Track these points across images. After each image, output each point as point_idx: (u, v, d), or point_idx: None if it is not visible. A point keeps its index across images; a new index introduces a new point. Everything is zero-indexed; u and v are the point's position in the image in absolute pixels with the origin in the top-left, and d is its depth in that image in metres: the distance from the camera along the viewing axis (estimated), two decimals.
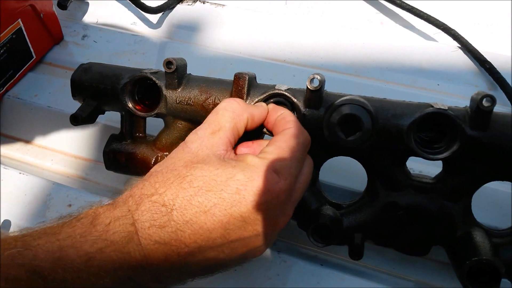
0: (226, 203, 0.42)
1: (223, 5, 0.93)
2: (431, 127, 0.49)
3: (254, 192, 0.42)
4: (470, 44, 0.78)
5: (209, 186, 0.42)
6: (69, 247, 0.38)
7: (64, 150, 0.80)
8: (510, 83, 0.73)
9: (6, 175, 0.70)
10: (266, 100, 0.54)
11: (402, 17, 0.88)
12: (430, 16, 0.81)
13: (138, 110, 0.60)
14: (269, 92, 0.54)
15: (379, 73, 0.80)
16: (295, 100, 0.52)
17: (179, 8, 0.94)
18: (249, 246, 0.44)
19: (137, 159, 0.60)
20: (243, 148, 0.50)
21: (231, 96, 0.55)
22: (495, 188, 0.61)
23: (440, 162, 0.52)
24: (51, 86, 0.85)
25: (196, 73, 0.60)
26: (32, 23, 0.84)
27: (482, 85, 0.77)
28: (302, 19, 0.90)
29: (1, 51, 0.79)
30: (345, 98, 0.50)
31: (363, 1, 0.91)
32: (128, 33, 0.92)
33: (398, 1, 0.83)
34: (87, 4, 0.98)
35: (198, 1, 0.94)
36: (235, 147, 0.49)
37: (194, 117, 0.57)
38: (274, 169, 0.43)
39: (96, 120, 0.64)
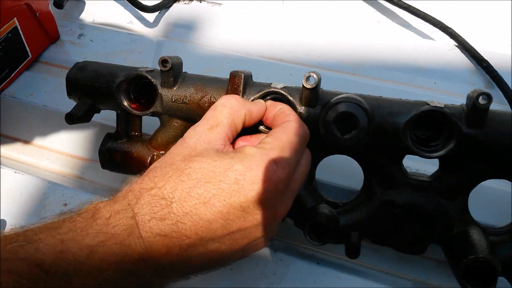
0: (225, 193, 0.42)
1: (220, 3, 0.92)
2: (428, 125, 0.49)
3: (253, 181, 0.42)
4: (467, 43, 0.78)
5: (208, 177, 0.42)
6: (70, 241, 0.38)
7: (60, 149, 0.80)
8: (507, 82, 0.73)
9: (1, 174, 0.70)
10: (262, 98, 0.54)
11: (399, 16, 0.88)
12: (427, 14, 0.81)
13: (133, 108, 0.60)
14: (265, 90, 0.53)
15: (376, 72, 0.79)
16: (291, 98, 0.52)
17: (176, 7, 0.94)
18: (250, 237, 0.44)
19: (132, 158, 0.60)
20: (241, 142, 0.50)
21: (227, 94, 0.54)
22: (492, 187, 0.61)
23: (436, 161, 0.52)
24: (47, 85, 0.85)
25: (193, 72, 0.59)
26: (28, 22, 0.83)
27: (479, 83, 0.77)
28: (299, 17, 0.89)
29: None
30: (341, 96, 0.50)
31: (361, 0, 0.90)
32: (124, 32, 0.92)
33: (395, 0, 0.83)
34: (84, 3, 0.98)
35: (194, 0, 0.94)
36: (233, 142, 0.49)
37: (190, 115, 0.57)
38: (272, 159, 0.44)
39: (92, 119, 0.63)
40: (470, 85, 0.76)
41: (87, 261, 0.38)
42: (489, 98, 0.44)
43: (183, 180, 0.42)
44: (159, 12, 0.93)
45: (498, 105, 0.73)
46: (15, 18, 0.80)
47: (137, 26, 0.93)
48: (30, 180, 0.69)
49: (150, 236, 0.40)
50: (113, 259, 0.39)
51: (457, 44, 0.80)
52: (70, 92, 0.63)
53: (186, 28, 0.91)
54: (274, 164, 0.43)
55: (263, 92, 0.53)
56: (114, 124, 0.63)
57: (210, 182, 0.42)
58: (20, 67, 0.85)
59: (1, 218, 0.65)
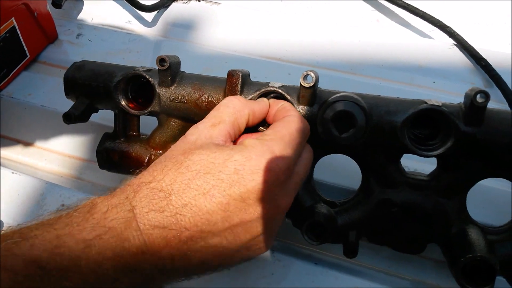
0: (225, 184, 0.41)
1: (218, 3, 0.92)
2: (425, 124, 0.49)
3: (252, 171, 0.42)
4: (466, 41, 0.78)
5: (207, 169, 0.42)
6: (66, 235, 0.37)
7: (58, 150, 0.80)
8: (506, 81, 0.73)
9: None
10: (260, 98, 0.54)
11: (398, 15, 0.87)
12: (425, 13, 0.81)
13: (131, 108, 0.59)
14: (263, 90, 0.53)
15: (374, 71, 0.79)
16: (288, 97, 0.52)
17: (174, 6, 0.94)
18: (251, 232, 0.43)
19: (130, 158, 0.60)
20: (242, 140, 0.49)
21: (225, 93, 0.54)
22: (490, 186, 0.61)
23: (435, 161, 0.52)
24: (45, 85, 0.84)
25: (191, 72, 0.59)
26: (26, 21, 0.83)
27: (478, 82, 0.76)
28: (297, 17, 0.89)
29: None
30: (339, 95, 0.50)
31: None
32: (122, 32, 0.92)
33: None
34: (82, 2, 0.98)
35: None
36: (234, 141, 0.49)
37: (188, 115, 0.57)
38: (272, 150, 0.43)
39: (90, 119, 0.63)
40: (469, 84, 0.76)
41: (83, 255, 0.37)
42: (486, 96, 0.44)
43: (182, 172, 0.42)
44: (158, 12, 0.93)
45: (497, 104, 0.73)
46: (13, 18, 0.80)
47: (135, 26, 0.93)
48: (27, 180, 0.69)
49: (149, 229, 0.39)
50: (111, 253, 0.38)
51: (456, 43, 0.80)
52: (68, 92, 0.63)
53: (184, 27, 0.90)
54: (274, 155, 0.43)
55: (261, 91, 0.53)
56: (112, 124, 0.63)
57: (209, 173, 0.42)
58: (18, 67, 0.85)
59: None
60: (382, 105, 0.49)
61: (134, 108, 0.59)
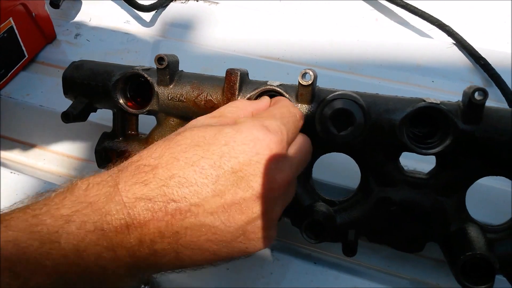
0: (215, 155, 0.40)
1: (217, 2, 0.92)
2: (424, 122, 0.49)
3: (243, 142, 0.40)
4: (465, 40, 0.78)
5: (197, 142, 0.41)
6: (43, 214, 0.35)
7: (57, 149, 0.80)
8: (505, 80, 0.73)
9: None
10: (258, 96, 0.53)
11: (396, 14, 0.87)
12: (424, 12, 0.81)
13: (129, 107, 0.59)
14: (261, 88, 0.53)
15: (373, 70, 0.79)
16: (287, 95, 0.52)
17: (173, 6, 0.94)
18: (247, 213, 0.40)
19: (129, 157, 0.59)
20: None
21: (223, 92, 0.54)
22: (490, 185, 0.61)
23: (434, 160, 0.52)
24: (43, 85, 0.84)
25: (190, 71, 0.59)
26: (24, 22, 0.83)
27: (477, 81, 0.76)
28: (296, 16, 0.89)
29: None
30: (337, 93, 0.50)
31: None
32: (121, 32, 0.91)
33: None
34: (80, 2, 0.98)
35: None
36: None
37: (186, 113, 0.56)
38: (263, 124, 0.42)
39: (88, 119, 0.63)
40: (468, 83, 0.76)
41: (63, 231, 0.34)
42: (485, 94, 0.44)
43: (171, 147, 0.40)
44: (156, 12, 0.93)
45: (496, 103, 0.72)
46: (10, 18, 0.80)
47: (133, 26, 0.93)
48: (26, 180, 0.69)
49: (133, 201, 0.37)
50: (92, 227, 0.35)
51: (455, 42, 0.80)
52: (67, 91, 0.63)
53: (183, 27, 0.90)
54: (265, 128, 0.42)
55: (259, 90, 0.53)
56: (111, 124, 0.62)
57: (198, 145, 0.40)
58: (17, 67, 0.85)
59: None
60: (381, 103, 0.49)
61: (132, 107, 0.59)
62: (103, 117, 0.71)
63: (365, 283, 0.56)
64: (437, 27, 0.80)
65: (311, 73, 0.48)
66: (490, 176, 0.50)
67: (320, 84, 0.53)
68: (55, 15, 0.92)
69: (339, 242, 0.53)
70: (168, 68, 0.55)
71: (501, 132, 0.46)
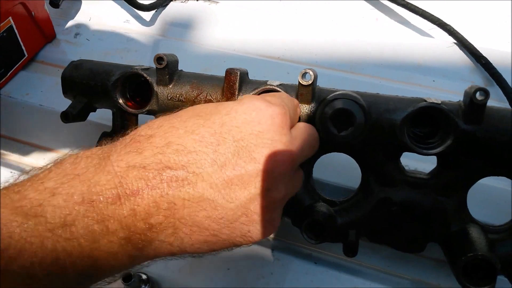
0: (215, 124, 0.38)
1: (217, 2, 0.92)
2: (425, 122, 0.48)
3: (245, 112, 0.39)
4: (466, 40, 0.77)
5: (198, 113, 0.39)
6: (27, 189, 0.33)
7: (56, 149, 0.80)
8: (506, 79, 0.72)
9: None
10: None
11: (397, 13, 0.87)
12: (425, 11, 0.80)
13: (129, 107, 0.59)
14: (261, 88, 0.53)
15: (374, 70, 0.79)
16: None
17: (172, 5, 0.93)
18: (249, 189, 0.37)
19: None
20: None
21: (223, 92, 0.54)
22: (491, 185, 0.61)
23: (435, 160, 0.51)
24: (43, 85, 0.84)
25: (190, 71, 0.59)
26: (23, 21, 0.83)
27: (478, 81, 0.76)
28: (296, 16, 0.89)
29: None
30: (337, 93, 0.49)
31: None
32: (121, 31, 0.91)
33: None
34: (80, 2, 0.97)
35: None
36: None
37: None
38: (265, 99, 0.42)
39: (88, 118, 0.63)
40: (469, 82, 0.76)
41: (49, 204, 0.32)
42: (486, 93, 0.43)
43: (170, 119, 0.39)
44: (156, 11, 0.93)
45: (498, 102, 0.72)
46: (10, 18, 0.79)
47: (133, 25, 0.93)
48: None
49: (124, 170, 0.34)
50: (80, 199, 0.33)
51: (455, 41, 0.79)
52: (66, 91, 0.63)
53: (183, 26, 0.90)
54: (267, 101, 0.41)
55: (259, 90, 0.53)
56: (111, 123, 0.62)
57: (200, 115, 0.39)
58: (16, 66, 0.85)
59: None
60: (381, 103, 0.49)
61: (132, 107, 0.59)
62: (102, 116, 0.71)
63: (365, 283, 0.56)
64: (438, 26, 0.80)
65: (311, 73, 0.48)
66: (491, 176, 0.50)
67: (320, 83, 0.53)
68: (54, 14, 0.92)
69: (340, 242, 0.53)
70: (167, 68, 0.55)
71: (502, 132, 0.45)
